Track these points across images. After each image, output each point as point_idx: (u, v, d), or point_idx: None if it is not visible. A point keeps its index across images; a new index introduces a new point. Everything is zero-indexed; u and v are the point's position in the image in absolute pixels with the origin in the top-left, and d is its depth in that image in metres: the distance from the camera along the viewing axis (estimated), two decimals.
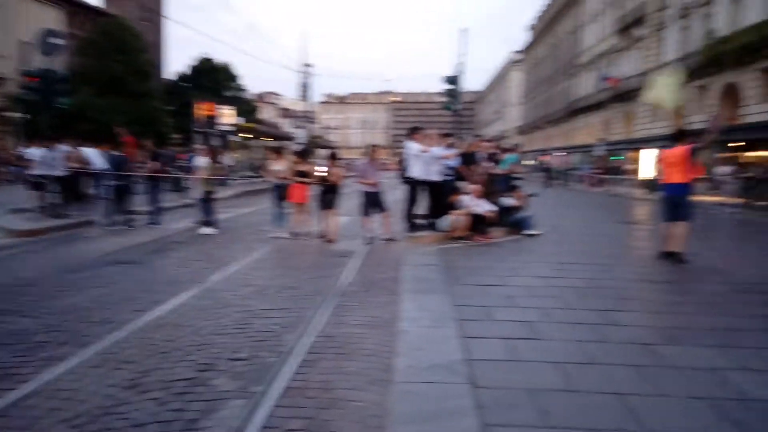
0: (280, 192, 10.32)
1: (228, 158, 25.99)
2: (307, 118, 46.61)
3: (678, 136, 8.03)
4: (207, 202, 10.80)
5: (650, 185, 22.85)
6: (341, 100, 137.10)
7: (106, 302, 5.41)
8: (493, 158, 11.61)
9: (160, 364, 3.85)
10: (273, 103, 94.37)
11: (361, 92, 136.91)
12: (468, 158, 10.24)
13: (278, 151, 11.58)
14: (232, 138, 29.55)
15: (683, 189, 7.64)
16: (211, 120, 27.65)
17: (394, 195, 11.01)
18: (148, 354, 4.05)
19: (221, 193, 13.45)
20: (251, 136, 31.92)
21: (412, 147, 9.52)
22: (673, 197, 7.73)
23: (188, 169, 16.84)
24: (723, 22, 28.07)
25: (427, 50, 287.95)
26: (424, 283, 6.06)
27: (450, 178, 10.00)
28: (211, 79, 45.77)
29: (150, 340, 4.35)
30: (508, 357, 3.84)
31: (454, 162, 10.00)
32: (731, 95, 28.15)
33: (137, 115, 31.55)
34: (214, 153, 11.66)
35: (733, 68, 27.02)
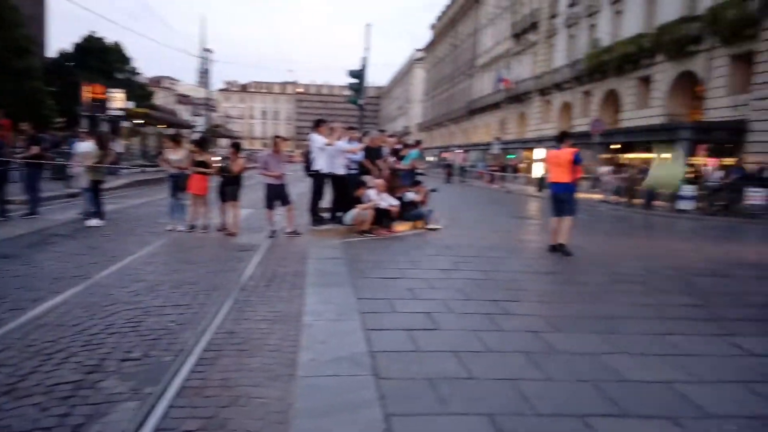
0: (177, 182, 9.84)
1: (118, 145, 24.28)
2: (206, 105, 44.76)
3: (561, 138, 8.66)
4: (93, 192, 10.06)
5: (540, 183, 24.37)
6: (243, 89, 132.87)
7: None
8: (396, 153, 11.82)
9: (41, 367, 3.54)
10: (170, 89, 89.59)
11: (264, 81, 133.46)
12: (373, 153, 10.33)
13: (175, 140, 11.03)
14: (123, 123, 27.65)
15: (568, 187, 8.26)
16: (99, 103, 25.71)
17: (299, 188, 10.88)
18: (27, 356, 3.71)
19: (111, 182, 12.57)
20: (145, 122, 30.02)
21: (317, 140, 9.45)
22: (559, 194, 8.34)
23: (72, 155, 15.60)
24: (606, 33, 30.43)
25: (331, 42, 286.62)
26: (328, 277, 6.05)
27: (355, 171, 10.05)
28: (101, 59, 42.56)
29: (29, 341, 3.99)
30: (410, 348, 3.94)
31: (359, 156, 10.05)
32: (612, 101, 30.65)
33: (15, 95, 28.69)
34: (102, 139, 10.84)
35: (614, 76, 29.43)
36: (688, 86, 24.71)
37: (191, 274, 6.31)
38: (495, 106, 48.02)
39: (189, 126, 42.55)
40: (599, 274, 6.94)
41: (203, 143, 10.94)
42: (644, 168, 18.77)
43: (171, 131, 31.59)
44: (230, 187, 9.48)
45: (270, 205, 9.46)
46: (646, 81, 27.11)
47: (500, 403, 3.11)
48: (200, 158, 9.77)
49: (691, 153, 20.71)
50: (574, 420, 2.94)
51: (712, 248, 10.31)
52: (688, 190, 17.14)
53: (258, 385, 3.41)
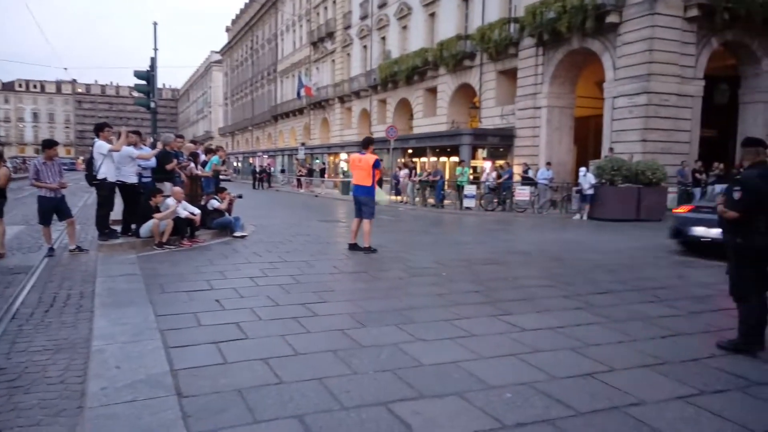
0: None
1: None
2: None
3: (366, 144, 9.14)
4: None
5: (345, 187, 25.27)
6: (6, 87, 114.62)
7: None
8: (196, 159, 11.27)
9: None
10: None
11: (34, 79, 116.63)
12: (167, 158, 9.65)
13: None
14: None
15: (368, 191, 8.83)
16: None
17: (84, 199, 9.71)
18: None
19: None
20: None
21: (101, 145, 8.52)
22: (359, 197, 8.87)
23: None
24: (395, 46, 32.73)
25: (116, 42, 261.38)
26: (121, 295, 5.54)
27: (148, 179, 9.33)
28: None
29: None
30: (218, 361, 3.80)
31: (152, 162, 9.35)
32: (405, 108, 33.06)
33: None
34: None
35: (404, 86, 31.79)
36: (467, 97, 27.82)
37: None
38: (299, 111, 48.50)
39: None
40: (399, 270, 7.44)
41: None
42: (437, 171, 20.61)
43: None
44: None
45: (45, 221, 8.30)
46: (432, 91, 29.79)
47: (310, 403, 3.17)
48: None
49: (472, 156, 23.35)
50: (378, 408, 3.13)
51: (491, 240, 11.73)
52: (471, 189, 19.27)
53: (36, 425, 2.99)
